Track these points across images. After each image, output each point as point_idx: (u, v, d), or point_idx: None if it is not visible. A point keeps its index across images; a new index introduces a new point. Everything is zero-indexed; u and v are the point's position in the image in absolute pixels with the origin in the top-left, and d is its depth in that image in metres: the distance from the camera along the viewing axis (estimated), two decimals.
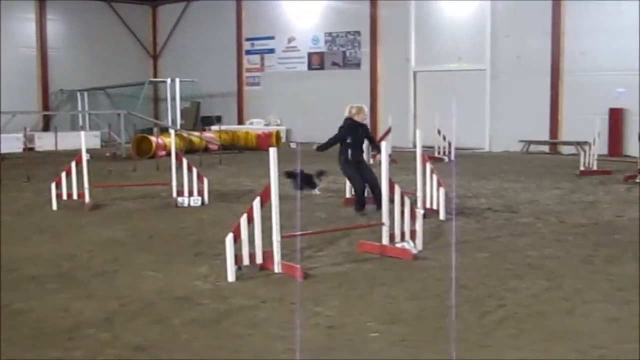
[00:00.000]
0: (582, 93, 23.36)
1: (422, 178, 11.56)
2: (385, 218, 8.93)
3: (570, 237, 10.10)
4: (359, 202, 11.93)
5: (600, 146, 19.83)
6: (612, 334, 6.03)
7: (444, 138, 21.31)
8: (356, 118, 11.93)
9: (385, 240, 8.93)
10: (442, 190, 11.42)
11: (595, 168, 17.75)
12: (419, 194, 11.47)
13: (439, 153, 21.12)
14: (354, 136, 11.86)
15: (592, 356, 5.57)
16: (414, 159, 11.54)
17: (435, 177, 11.58)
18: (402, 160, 18.95)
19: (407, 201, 9.06)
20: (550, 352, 5.65)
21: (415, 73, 27.55)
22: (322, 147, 12.21)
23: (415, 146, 12.00)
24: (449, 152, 21.16)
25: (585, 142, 18.43)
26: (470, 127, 24.85)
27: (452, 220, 10.97)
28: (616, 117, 22.82)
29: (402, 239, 9.03)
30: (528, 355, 5.60)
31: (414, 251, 8.83)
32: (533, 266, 8.46)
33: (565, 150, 23.62)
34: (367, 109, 12.51)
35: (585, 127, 20.81)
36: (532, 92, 24.35)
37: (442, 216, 11.34)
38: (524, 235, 10.27)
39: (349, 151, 11.84)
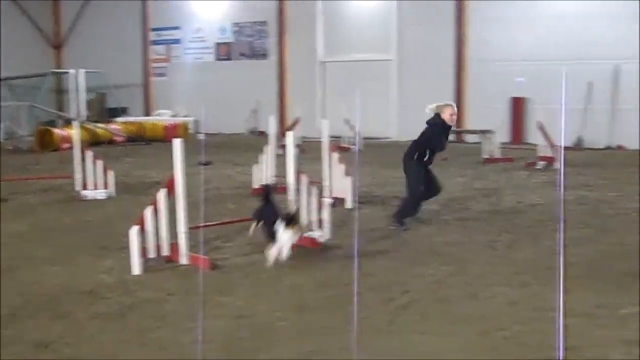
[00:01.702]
0: (485, 82, 23.88)
1: (329, 167, 11.65)
2: (292, 207, 8.96)
3: (473, 223, 10.35)
4: (410, 210, 10.31)
5: (503, 134, 20.39)
6: (512, 316, 6.23)
7: (352, 128, 21.48)
8: (444, 117, 10.33)
9: None
10: (349, 179, 11.53)
11: (498, 156, 18.21)
12: (326, 183, 11.55)
13: (346, 142, 21.28)
14: (441, 138, 10.34)
15: (495, 338, 5.73)
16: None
17: (342, 166, 11.68)
18: (310, 150, 19.00)
19: (314, 190, 9.12)
20: (455, 336, 5.79)
21: (323, 63, 27.65)
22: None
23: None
24: (357, 142, 21.33)
25: (489, 131, 18.84)
26: (377, 117, 25.09)
27: (356, 209, 11.09)
28: (517, 106, 23.43)
29: (310, 228, 9.08)
30: (433, 339, 5.73)
31: (322, 240, 8.89)
32: (438, 252, 8.64)
33: (470, 138, 24.09)
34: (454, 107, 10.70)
35: (488, 115, 21.33)
36: (437, 81, 24.75)
37: (349, 205, 11.45)
38: (428, 222, 10.46)
39: (428, 153, 10.29)
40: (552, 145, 16.54)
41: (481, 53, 24.12)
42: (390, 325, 6.03)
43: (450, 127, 10.31)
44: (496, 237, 9.41)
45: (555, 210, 11.12)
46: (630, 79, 21.61)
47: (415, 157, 10.20)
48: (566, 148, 20.10)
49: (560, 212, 10.43)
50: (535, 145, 17.75)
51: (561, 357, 4.23)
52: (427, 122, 10.38)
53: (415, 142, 10.36)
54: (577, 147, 21.38)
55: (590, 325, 5.96)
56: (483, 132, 19.00)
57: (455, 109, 10.43)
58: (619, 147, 21.86)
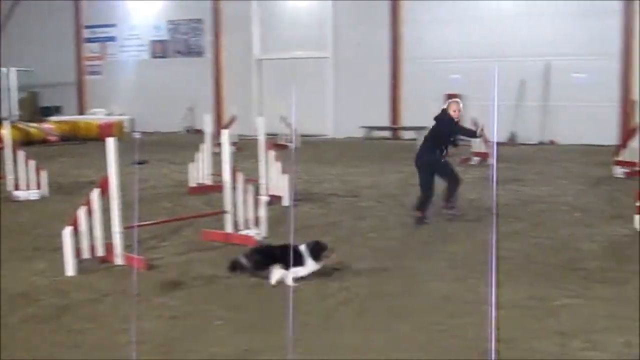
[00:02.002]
0: (420, 80, 24.11)
1: (265, 165, 11.64)
2: (228, 206, 8.93)
3: (409, 220, 10.43)
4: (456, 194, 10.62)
5: None
6: (447, 310, 6.30)
7: (288, 125, 21.48)
8: (450, 112, 10.39)
9: (229, 228, 8.94)
10: (285, 176, 11.54)
11: None
12: (263, 181, 11.54)
13: (283, 140, 21.27)
14: (450, 132, 10.45)
15: (430, 332, 5.79)
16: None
17: (279, 164, 11.68)
18: (247, 148, 18.94)
19: (250, 188, 9.10)
20: (392, 331, 5.83)
21: (259, 61, 27.59)
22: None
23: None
24: (293, 139, 21.34)
25: (424, 128, 18.98)
26: (314, 114, 25.14)
27: (291, 207, 11.10)
28: None
29: (247, 226, 9.06)
30: (370, 335, 5.75)
31: (258, 238, 8.88)
32: (375, 248, 8.70)
33: (406, 135, 24.29)
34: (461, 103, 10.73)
35: (423, 112, 21.50)
36: (373, 79, 24.92)
37: (286, 202, 11.46)
38: (366, 219, 10.53)
39: (445, 148, 10.42)
40: (486, 141, 16.77)
41: (416, 51, 24.36)
42: (327, 322, 6.05)
43: (455, 121, 10.39)
44: (432, 232, 9.52)
45: (489, 205, 11.29)
46: (561, 75, 22.05)
47: (438, 153, 10.33)
48: (500, 144, 20.44)
49: (494, 207, 10.58)
50: (470, 141, 17.96)
51: (493, 349, 4.31)
52: (435, 118, 10.53)
53: (431, 140, 10.45)
54: (510, 142, 21.75)
55: (524, 317, 6.07)
56: (418, 128, 19.17)
57: (461, 105, 10.57)
58: (552, 142, 22.31)
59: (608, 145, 18.29)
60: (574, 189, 13.10)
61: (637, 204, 9.54)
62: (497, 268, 7.10)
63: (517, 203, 11.63)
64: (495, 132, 14.98)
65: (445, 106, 10.53)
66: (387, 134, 25.09)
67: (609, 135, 20.51)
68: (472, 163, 16.74)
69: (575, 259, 8.06)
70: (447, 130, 10.31)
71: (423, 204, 10.28)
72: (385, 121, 25.16)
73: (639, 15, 21.30)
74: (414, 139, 19.67)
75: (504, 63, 21.37)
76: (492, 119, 17.16)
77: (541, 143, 22.31)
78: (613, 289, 6.93)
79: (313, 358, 5.28)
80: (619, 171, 14.62)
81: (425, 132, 18.29)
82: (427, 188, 10.28)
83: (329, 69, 26.14)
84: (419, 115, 21.99)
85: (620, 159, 14.93)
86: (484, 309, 6.10)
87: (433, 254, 8.42)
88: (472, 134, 11.26)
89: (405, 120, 24.70)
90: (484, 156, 16.72)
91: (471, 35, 23.26)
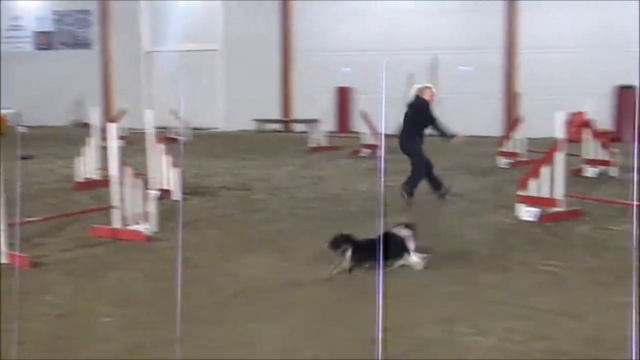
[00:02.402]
0: (311, 73, 24.25)
1: (155, 159, 11.50)
2: (116, 201, 8.79)
3: (300, 211, 10.51)
4: (417, 183, 11.11)
5: (329, 123, 20.80)
6: (335, 300, 6.39)
7: (179, 118, 21.24)
8: (425, 97, 11.11)
9: (117, 223, 8.80)
10: (175, 170, 11.42)
11: (324, 144, 18.55)
12: (152, 175, 11.39)
13: (173, 134, 21.03)
14: (426, 116, 11.12)
15: (318, 321, 5.85)
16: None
17: (168, 158, 11.55)
18: (137, 141, 18.63)
19: (139, 183, 8.98)
20: (280, 323, 5.86)
21: (148, 53, 27.19)
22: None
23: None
24: (184, 133, 21.13)
25: (315, 120, 19.17)
26: (205, 107, 24.96)
27: (180, 200, 11.02)
28: (343, 96, 23.94)
29: (135, 221, 8.94)
30: (259, 327, 5.77)
31: (147, 233, 8.78)
32: (265, 241, 8.72)
33: (297, 128, 24.40)
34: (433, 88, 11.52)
35: (314, 105, 21.66)
36: (264, 72, 24.91)
37: (176, 196, 11.35)
38: (257, 212, 10.55)
39: (423, 132, 11.15)
40: (376, 134, 17.04)
41: (307, 44, 24.47)
42: (217, 315, 6.04)
43: (429, 105, 11.04)
44: (322, 224, 9.60)
45: (378, 197, 11.47)
46: (448, 68, 22.54)
47: (418, 139, 11.11)
48: (389, 136, 20.70)
49: (381, 197, 10.75)
50: (360, 133, 18.23)
51: (380, 337, 4.39)
52: (410, 105, 11.12)
53: (410, 126, 11.06)
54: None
55: (411, 306, 6.20)
56: (309, 121, 19.31)
57: (434, 89, 11.28)
58: None
59: (493, 137, 18.83)
60: (460, 179, 13.44)
61: (520, 194, 9.86)
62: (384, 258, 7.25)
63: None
64: (383, 124, 15.25)
65: (417, 92, 11.17)
66: (278, 126, 25.14)
67: (494, 127, 21.12)
68: (362, 155, 16.98)
69: (461, 248, 8.29)
70: (425, 114, 10.95)
71: (432, 182, 11.20)
72: (277, 114, 25.20)
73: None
74: (305, 132, 19.78)
75: (393, 57, 21.73)
76: (381, 111, 17.49)
77: (429, 135, 22.74)
78: (497, 275, 7.16)
79: (203, 352, 5.27)
80: (503, 161, 15.09)
81: (317, 125, 18.57)
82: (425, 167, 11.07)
83: (220, 61, 25.99)
84: (310, 108, 22.15)
85: (504, 149, 15.40)
86: (372, 299, 6.20)
87: (322, 245, 8.49)
88: (446, 135, 11.45)
89: (297, 113, 24.79)
90: (373, 148, 16.97)
91: (361, 29, 23.53)
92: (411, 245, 7.35)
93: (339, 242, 7.22)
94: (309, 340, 5.49)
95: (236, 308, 6.25)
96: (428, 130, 11.29)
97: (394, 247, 7.19)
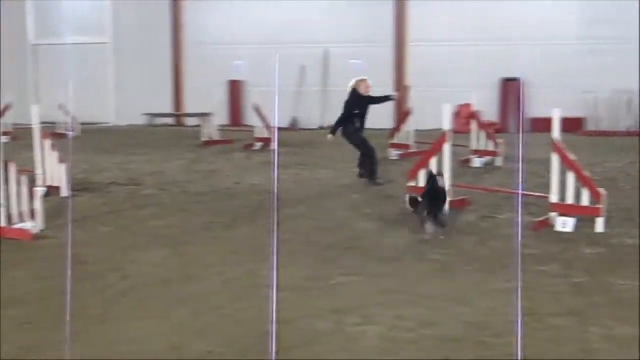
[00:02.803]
0: (203, 66, 24.06)
1: (42, 155, 11.21)
2: (1, 198, 8.53)
3: (192, 206, 10.44)
4: (373, 170, 12.22)
5: (222, 117, 20.69)
6: (228, 295, 6.38)
7: (67, 113, 20.75)
8: (360, 90, 12.28)
9: (2, 222, 8.54)
10: (63, 166, 11.16)
11: (217, 138, 18.45)
12: (39, 171, 11.10)
13: (62, 129, 20.54)
14: (361, 107, 12.23)
15: (211, 316, 5.83)
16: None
17: (56, 154, 11.27)
18: (23, 137, 18.12)
19: (24, 180, 8.73)
20: (171, 318, 5.82)
21: (35, 46, 26.44)
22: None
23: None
24: (73, 128, 20.66)
25: (208, 114, 19.04)
26: (95, 102, 24.48)
27: (70, 197, 10.79)
28: (235, 89, 23.85)
29: (22, 219, 8.69)
30: (149, 323, 5.72)
31: (35, 231, 8.55)
32: (156, 236, 8.63)
33: (190, 122, 24.19)
34: (369, 81, 12.55)
35: (206, 98, 21.51)
36: (156, 66, 24.58)
37: (64, 193, 11.09)
38: (147, 207, 10.41)
39: (356, 121, 12.22)
40: (269, 127, 17.05)
41: (199, 36, 24.27)
42: (107, 313, 5.94)
43: (366, 97, 12.36)
44: (214, 219, 9.56)
45: (271, 190, 11.51)
46: (339, 62, 22.74)
47: (351, 126, 12.23)
48: (282, 129, 20.82)
49: (274, 190, 10.80)
50: (253, 127, 18.21)
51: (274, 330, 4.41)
52: (348, 99, 12.36)
53: (347, 116, 12.25)
54: (292, 128, 22.19)
55: (303, 298, 6.25)
56: (202, 115, 19.17)
57: (369, 82, 12.45)
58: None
59: (384, 129, 19.11)
60: (351, 171, 13.58)
61: (409, 184, 10.05)
62: (279, 251, 7.31)
63: (298, 187, 11.92)
64: (277, 118, 15.29)
65: (354, 86, 12.37)
66: (170, 121, 24.85)
67: (385, 119, 21.41)
68: (255, 148, 16.97)
69: (351, 239, 8.39)
70: (359, 107, 12.23)
71: (363, 164, 12.43)
72: (169, 108, 24.91)
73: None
74: (198, 126, 19.62)
75: (285, 50, 21.79)
76: (274, 105, 17.52)
77: (322, 128, 22.93)
78: (387, 265, 7.29)
79: (94, 351, 5.18)
80: (394, 153, 15.34)
81: (209, 118, 18.48)
82: (364, 149, 12.30)
83: (109, 54, 25.50)
84: (203, 101, 21.99)
85: (394, 141, 15.66)
86: (264, 293, 6.24)
87: (214, 239, 8.48)
88: (386, 98, 13.19)
89: (189, 106, 24.57)
90: (267, 141, 16.98)
91: (253, 22, 23.46)
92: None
93: (415, 203, 8.71)
94: (200, 335, 5.46)
95: (126, 305, 6.16)
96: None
97: (444, 196, 8.73)
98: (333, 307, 6.01)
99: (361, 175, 12.47)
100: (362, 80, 12.40)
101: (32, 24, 26.32)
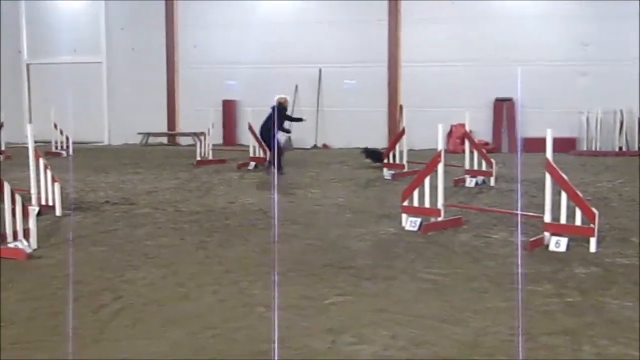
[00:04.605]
0: (197, 86, 24.16)
1: (36, 174, 11.21)
2: None
3: (186, 225, 10.43)
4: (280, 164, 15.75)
5: (216, 136, 20.73)
6: (222, 314, 6.36)
7: (61, 132, 20.80)
8: (284, 105, 16.40)
9: None
10: (57, 185, 11.16)
11: (211, 157, 18.48)
12: (33, 190, 11.10)
13: (56, 148, 20.57)
14: (281, 118, 16.11)
15: (205, 336, 5.82)
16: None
17: (49, 173, 11.28)
18: (17, 156, 18.13)
19: (18, 198, 8.72)
20: (165, 338, 5.80)
21: (28, 65, 26.49)
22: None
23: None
24: (67, 147, 20.70)
25: (201, 133, 19.09)
26: (88, 121, 24.54)
27: (72, 217, 10.78)
28: (229, 108, 23.91)
29: (15, 238, 8.67)
30: (143, 343, 5.70)
31: (28, 250, 8.54)
32: (150, 255, 8.61)
33: (183, 141, 24.23)
34: (289, 98, 17.12)
35: (201, 118, 21.57)
36: (149, 85, 24.65)
37: (58, 212, 11.08)
38: (141, 226, 10.40)
39: (283, 127, 16.61)
40: (262, 146, 17.08)
41: (192, 57, 24.37)
42: (100, 334, 5.92)
43: (285, 109, 16.47)
44: (207, 238, 9.56)
45: (266, 209, 11.53)
46: (333, 81, 22.85)
47: (272, 132, 15.61)
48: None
49: (275, 210, 10.82)
50: (247, 146, 18.24)
51: (276, 349, 4.42)
52: (272, 109, 15.98)
53: (271, 123, 15.58)
54: (286, 147, 22.20)
55: (296, 317, 6.24)
56: (195, 134, 19.21)
57: (288, 98, 16.75)
58: (325, 146, 23.06)
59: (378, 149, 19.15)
60: (345, 190, 13.63)
61: (403, 204, 10.08)
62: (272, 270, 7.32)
63: (291, 206, 11.92)
64: (276, 138, 15.38)
65: (278, 100, 16.12)
66: (164, 139, 24.89)
67: (379, 139, 21.51)
68: (249, 168, 17.00)
69: (345, 258, 8.39)
70: (284, 115, 16.28)
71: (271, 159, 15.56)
72: (163, 127, 24.95)
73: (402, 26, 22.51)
74: (192, 145, 19.65)
75: (279, 70, 21.91)
76: (273, 126, 17.56)
77: (315, 147, 23.00)
78: (381, 285, 7.29)
79: None
80: (387, 173, 15.37)
81: (203, 138, 18.54)
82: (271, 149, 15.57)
83: (103, 73, 25.57)
84: (197, 120, 22.06)
85: (388, 161, 15.70)
86: (258, 311, 6.25)
87: (208, 259, 8.47)
88: (298, 119, 17.39)
89: (183, 126, 24.63)
90: (260, 161, 17.02)
91: (247, 42, 23.61)
92: None
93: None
94: (195, 355, 5.45)
95: (120, 324, 6.14)
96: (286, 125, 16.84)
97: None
98: (326, 327, 6.00)
99: (268, 168, 15.86)
100: (283, 97, 16.35)
101: (26, 42, 26.37)
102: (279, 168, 15.37)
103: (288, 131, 17.64)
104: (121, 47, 25.21)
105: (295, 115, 18.33)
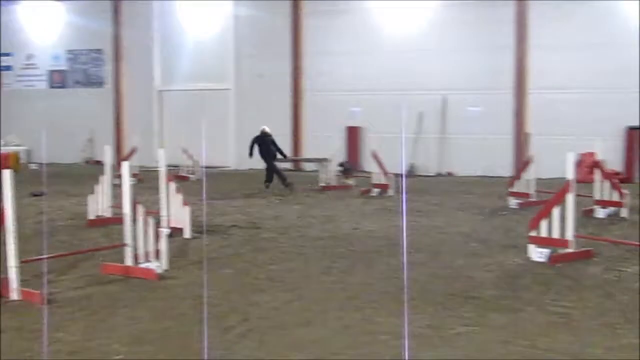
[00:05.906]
0: (322, 112, 24.40)
1: (166, 197, 11.58)
2: (128, 238, 8.85)
3: (310, 250, 10.53)
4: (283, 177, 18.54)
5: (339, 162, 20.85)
6: (346, 341, 6.39)
7: (190, 157, 21.41)
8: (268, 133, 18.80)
9: (129, 261, 8.85)
10: (187, 208, 11.48)
11: (334, 183, 18.61)
12: (164, 213, 11.46)
13: (185, 172, 21.19)
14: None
15: None
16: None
17: (180, 196, 11.62)
18: (148, 179, 18.75)
19: (150, 220, 9.03)
20: None
21: (160, 92, 27.44)
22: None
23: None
24: (195, 171, 21.28)
25: (326, 159, 19.26)
26: (216, 146, 25.11)
27: (204, 239, 11.05)
28: (353, 135, 24.04)
29: (147, 259, 8.98)
30: None
31: (159, 271, 8.81)
32: (275, 280, 8.74)
33: (307, 167, 24.48)
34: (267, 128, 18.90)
35: (324, 144, 21.76)
36: (275, 111, 25.05)
37: (187, 234, 11.40)
38: (267, 250, 10.57)
39: (274, 153, 18.81)
40: (386, 173, 17.10)
41: (317, 83, 24.64)
42: (228, 354, 6.05)
43: (272, 139, 18.89)
44: (332, 263, 9.62)
45: (389, 236, 11.51)
46: (457, 108, 22.65)
47: (270, 156, 18.48)
48: (399, 175, 20.81)
49: (403, 238, 10.78)
50: (370, 173, 18.29)
51: None
52: (263, 138, 18.59)
53: (265, 148, 18.58)
54: (409, 174, 22.15)
55: (421, 346, 6.20)
56: (320, 160, 19.39)
57: (267, 129, 18.91)
58: (449, 174, 22.85)
59: (503, 177, 18.88)
60: (470, 219, 13.45)
61: (531, 234, 9.87)
62: (396, 298, 7.30)
63: (416, 234, 11.86)
64: (403, 164, 15.31)
65: (266, 131, 18.77)
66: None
67: (504, 167, 21.16)
68: (373, 194, 17.03)
69: (470, 288, 8.28)
70: (274, 144, 18.82)
71: (269, 179, 18.48)
72: (288, 153, 25.27)
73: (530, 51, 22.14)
74: (316, 171, 19.85)
75: (403, 96, 21.88)
76: (392, 151, 17.56)
77: (439, 174, 22.83)
78: (507, 316, 7.15)
79: None
80: (513, 202, 15.08)
81: (327, 163, 18.72)
82: (269, 171, 18.59)
83: (231, 100, 26.19)
84: (321, 146, 22.25)
85: (514, 190, 15.42)
86: (381, 339, 6.23)
87: (332, 284, 8.52)
88: (282, 153, 19.38)
89: (307, 151, 24.89)
90: (384, 187, 17.03)
91: (371, 69, 23.69)
92: None
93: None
94: None
95: (246, 347, 6.26)
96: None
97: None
98: (452, 357, 5.94)
99: (267, 186, 18.34)
100: (264, 128, 18.86)
101: (157, 70, 27.32)
102: (284, 180, 18.32)
103: (285, 155, 19.68)
104: (248, 74, 25.77)
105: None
